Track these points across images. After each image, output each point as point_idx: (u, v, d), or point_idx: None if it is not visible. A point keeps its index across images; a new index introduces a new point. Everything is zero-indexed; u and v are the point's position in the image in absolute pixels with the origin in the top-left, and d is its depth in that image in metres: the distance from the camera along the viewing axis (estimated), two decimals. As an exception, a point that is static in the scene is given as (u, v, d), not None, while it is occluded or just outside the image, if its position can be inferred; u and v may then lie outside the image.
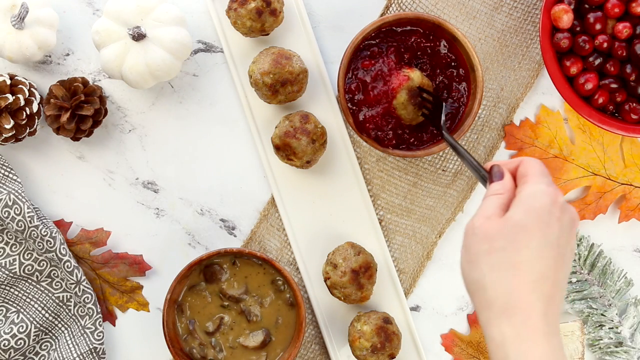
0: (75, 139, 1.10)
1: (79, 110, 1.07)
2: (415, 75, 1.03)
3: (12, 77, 1.08)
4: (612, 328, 1.12)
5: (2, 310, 1.13)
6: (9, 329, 1.11)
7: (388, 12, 1.12)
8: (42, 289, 1.13)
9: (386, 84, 1.04)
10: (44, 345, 1.13)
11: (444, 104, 1.01)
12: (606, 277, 1.13)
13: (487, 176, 0.81)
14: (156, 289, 1.14)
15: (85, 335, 1.12)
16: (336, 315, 1.13)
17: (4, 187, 1.11)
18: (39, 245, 1.09)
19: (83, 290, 1.11)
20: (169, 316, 1.08)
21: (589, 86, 1.05)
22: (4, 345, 1.10)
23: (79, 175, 1.14)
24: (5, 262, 1.11)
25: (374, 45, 1.07)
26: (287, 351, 1.09)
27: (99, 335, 1.12)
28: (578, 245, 1.12)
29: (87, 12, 1.12)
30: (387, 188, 1.13)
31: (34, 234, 1.08)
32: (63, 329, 1.14)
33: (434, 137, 1.07)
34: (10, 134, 1.06)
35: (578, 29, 1.05)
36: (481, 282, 0.74)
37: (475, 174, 0.84)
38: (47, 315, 1.13)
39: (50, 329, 1.13)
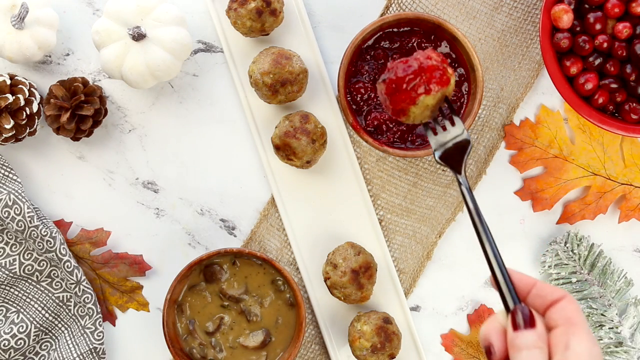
0: (75, 139, 1.10)
1: (79, 110, 1.07)
2: (454, 78, 0.86)
3: (12, 77, 1.08)
4: (612, 328, 1.12)
5: (2, 310, 1.13)
6: (9, 329, 1.11)
7: (388, 12, 1.12)
8: (42, 289, 1.13)
9: (420, 76, 0.84)
10: (44, 345, 1.13)
11: (470, 144, 0.84)
12: (606, 277, 1.13)
13: (502, 272, 0.71)
14: (156, 289, 1.14)
15: (85, 335, 1.12)
16: (336, 315, 1.13)
17: (4, 187, 1.11)
18: (39, 245, 1.09)
19: (83, 290, 1.11)
20: (169, 316, 1.08)
21: (589, 86, 1.05)
22: (4, 345, 1.10)
23: (79, 175, 1.14)
24: (5, 262, 1.11)
25: (377, 48, 1.07)
26: (287, 351, 1.09)
27: (99, 335, 1.12)
28: (578, 245, 1.12)
29: (87, 12, 1.13)
30: (387, 188, 1.13)
31: (34, 234, 1.09)
32: (63, 329, 1.14)
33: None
34: (10, 134, 1.06)
35: (578, 29, 1.05)
36: None
37: (488, 258, 0.72)
38: (47, 315, 1.13)
39: (50, 329, 1.13)
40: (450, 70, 0.85)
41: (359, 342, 1.07)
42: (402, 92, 0.86)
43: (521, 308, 0.68)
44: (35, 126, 1.08)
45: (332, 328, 1.13)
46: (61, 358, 1.12)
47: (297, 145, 1.05)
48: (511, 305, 0.70)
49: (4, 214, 1.08)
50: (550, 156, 1.13)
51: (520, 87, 1.13)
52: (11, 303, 1.13)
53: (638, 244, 1.15)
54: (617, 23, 1.04)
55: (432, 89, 0.84)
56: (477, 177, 1.14)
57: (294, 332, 1.10)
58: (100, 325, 1.12)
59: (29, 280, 1.13)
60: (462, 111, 1.07)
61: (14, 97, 1.05)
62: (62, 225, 1.13)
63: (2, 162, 1.11)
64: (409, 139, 1.07)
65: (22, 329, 1.11)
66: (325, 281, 1.09)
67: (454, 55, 1.07)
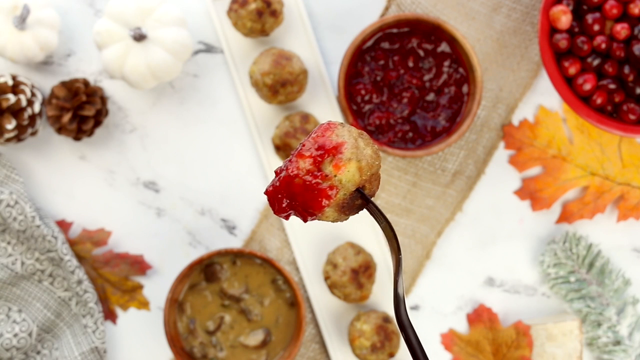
0: (77, 139, 1.10)
1: (81, 110, 1.07)
2: (350, 172, 0.62)
3: (14, 78, 1.08)
4: (610, 327, 1.13)
5: (4, 309, 1.13)
6: (11, 328, 1.11)
7: (387, 13, 1.13)
8: (44, 288, 1.13)
9: (293, 203, 0.62)
10: (46, 344, 1.14)
11: (400, 260, 0.65)
12: (604, 276, 1.13)
13: None
14: (157, 288, 1.15)
15: (86, 334, 1.12)
16: (336, 314, 1.13)
17: (7, 187, 1.11)
18: (41, 245, 1.10)
19: (84, 289, 1.11)
20: (170, 315, 1.09)
21: (588, 87, 1.05)
22: (6, 344, 1.10)
23: (80, 175, 1.14)
24: (7, 261, 1.12)
25: (377, 49, 1.07)
26: (287, 350, 1.10)
27: (101, 334, 1.12)
28: (576, 244, 1.13)
29: (88, 13, 1.13)
30: (387, 188, 1.14)
31: (35, 233, 1.09)
32: (65, 328, 1.14)
33: (434, 137, 1.08)
34: (12, 134, 1.06)
35: (576, 29, 1.05)
36: None
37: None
38: (49, 314, 1.13)
39: (52, 328, 1.14)
40: (336, 160, 0.59)
41: (359, 341, 1.07)
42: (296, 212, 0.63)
43: None
44: (37, 126, 1.09)
45: (332, 327, 1.13)
46: (63, 357, 1.12)
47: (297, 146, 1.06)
48: None
49: (6, 213, 1.08)
50: (548, 156, 1.13)
51: (519, 87, 1.14)
52: (13, 302, 1.13)
53: (636, 243, 1.16)
54: (616, 24, 1.04)
55: (320, 206, 0.61)
56: (476, 176, 1.14)
57: (294, 331, 1.10)
58: (102, 324, 1.13)
59: (30, 280, 1.13)
60: (461, 111, 1.08)
61: (16, 98, 1.05)
62: (63, 225, 1.13)
63: (4, 163, 1.12)
64: (409, 139, 1.08)
65: (24, 328, 1.11)
66: (325, 280, 1.09)
67: (453, 56, 1.07)
